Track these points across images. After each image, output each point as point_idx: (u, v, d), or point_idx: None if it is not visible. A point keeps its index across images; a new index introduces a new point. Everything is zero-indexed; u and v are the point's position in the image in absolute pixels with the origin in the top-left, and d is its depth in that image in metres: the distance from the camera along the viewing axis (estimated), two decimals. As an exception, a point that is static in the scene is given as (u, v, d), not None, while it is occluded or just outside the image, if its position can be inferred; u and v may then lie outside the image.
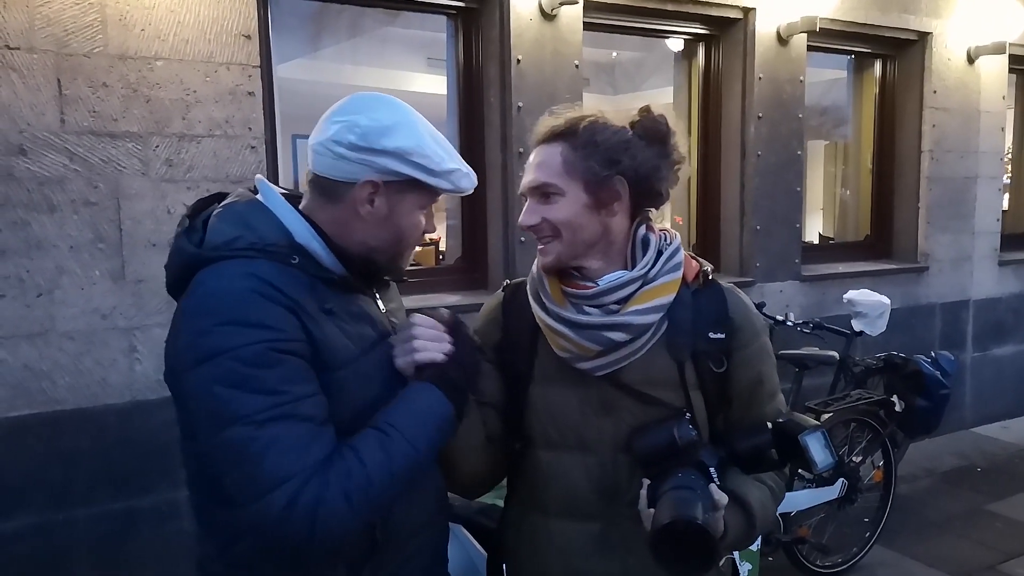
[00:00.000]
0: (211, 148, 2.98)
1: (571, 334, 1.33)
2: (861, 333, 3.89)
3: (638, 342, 1.34)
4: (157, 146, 2.89)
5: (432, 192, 1.29)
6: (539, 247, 1.38)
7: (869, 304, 3.86)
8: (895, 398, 3.67)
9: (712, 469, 1.27)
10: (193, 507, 1.29)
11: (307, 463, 1.10)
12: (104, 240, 2.83)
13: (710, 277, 1.43)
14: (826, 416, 3.32)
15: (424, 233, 1.32)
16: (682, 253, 1.40)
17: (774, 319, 3.68)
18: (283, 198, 1.28)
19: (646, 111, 1.38)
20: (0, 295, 2.71)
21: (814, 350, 3.60)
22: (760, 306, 3.70)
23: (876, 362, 3.86)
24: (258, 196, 1.29)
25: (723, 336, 1.38)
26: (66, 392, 2.82)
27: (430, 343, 1.27)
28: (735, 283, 4.70)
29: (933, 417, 3.73)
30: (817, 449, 1.27)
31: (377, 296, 1.38)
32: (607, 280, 1.35)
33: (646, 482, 1.27)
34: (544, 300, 1.38)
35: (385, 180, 1.23)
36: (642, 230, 1.39)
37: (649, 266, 1.35)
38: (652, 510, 1.21)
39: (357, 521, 1.15)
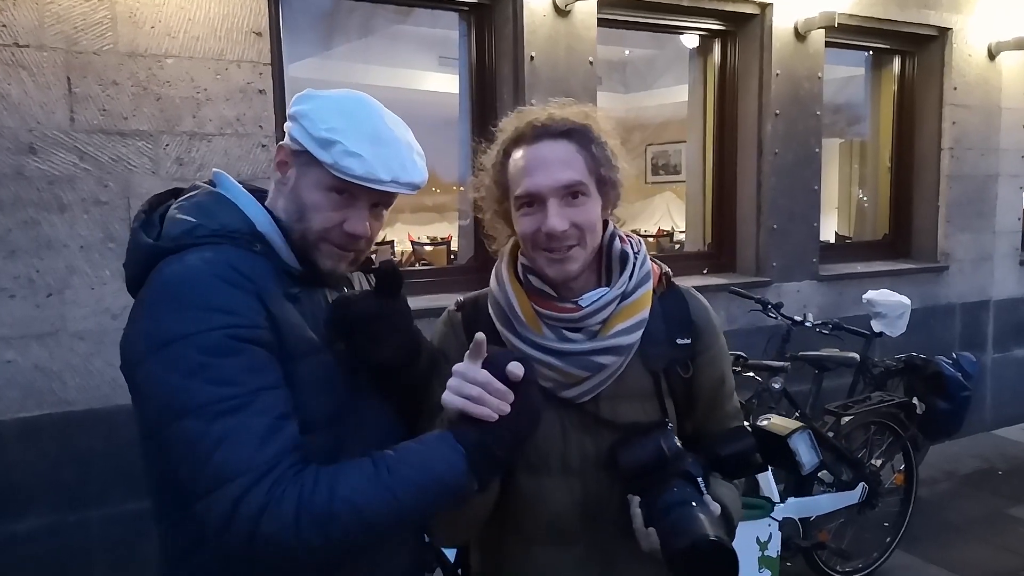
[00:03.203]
0: (222, 147, 2.95)
1: (557, 363, 1.25)
2: (881, 334, 3.82)
3: (620, 361, 1.29)
4: (167, 145, 2.87)
5: (327, 172, 1.14)
6: (555, 256, 1.25)
7: (889, 305, 3.80)
8: (915, 400, 3.60)
9: (700, 479, 1.23)
10: (153, 516, 1.22)
11: (259, 461, 1.01)
12: (114, 239, 2.81)
13: (671, 280, 1.38)
14: (847, 419, 3.26)
15: (350, 233, 1.17)
16: (649, 260, 1.35)
17: (792, 319, 3.62)
18: (244, 190, 1.24)
19: (586, 112, 1.30)
20: (10, 295, 2.69)
21: (834, 351, 3.54)
22: (778, 306, 3.64)
23: (896, 363, 3.80)
24: (217, 189, 1.25)
25: (689, 341, 1.34)
26: (76, 393, 2.81)
27: (491, 398, 1.09)
28: (751, 283, 4.64)
29: (954, 419, 3.67)
30: (804, 450, 1.25)
31: (345, 290, 1.31)
32: (589, 300, 1.27)
33: (635, 499, 1.22)
34: (516, 326, 1.28)
35: (292, 148, 1.19)
36: (616, 241, 1.33)
37: (627, 280, 1.29)
38: (651, 529, 1.17)
39: (301, 546, 1.02)
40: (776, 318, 3.64)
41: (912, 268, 4.93)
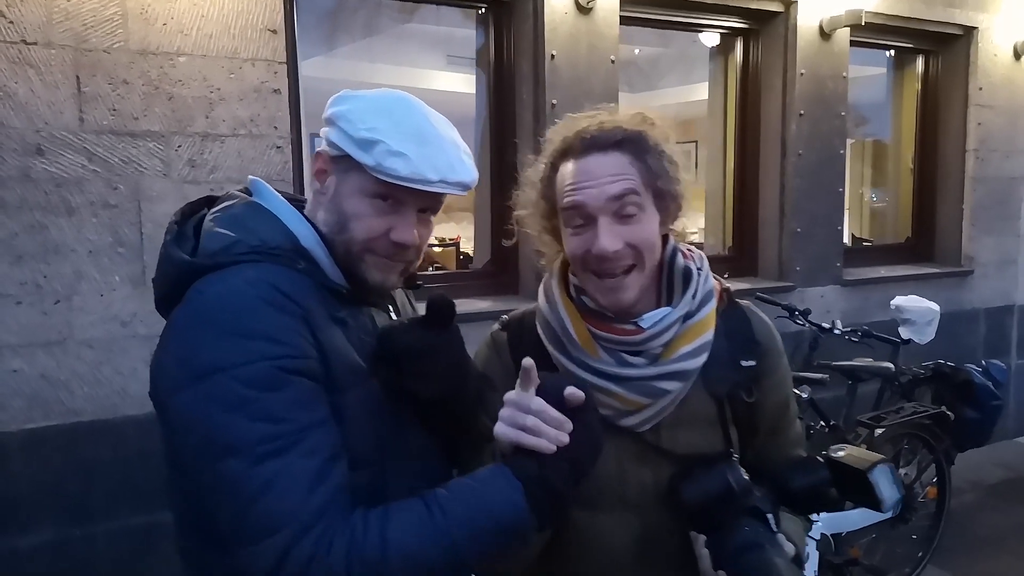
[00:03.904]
0: (235, 148, 2.85)
1: (618, 389, 1.16)
2: (909, 341, 3.71)
3: (684, 387, 1.19)
4: (179, 146, 2.77)
5: (370, 176, 1.05)
6: (606, 283, 1.15)
7: (918, 311, 3.68)
8: (944, 409, 3.49)
9: (769, 516, 1.14)
10: (180, 551, 1.13)
11: (307, 509, 0.93)
12: (124, 244, 2.71)
13: (732, 296, 1.29)
14: (880, 431, 3.16)
15: (397, 242, 1.08)
16: (711, 276, 1.25)
17: (820, 327, 3.51)
18: (284, 200, 1.14)
19: (642, 117, 1.20)
20: (16, 302, 2.60)
21: (868, 361, 3.43)
22: (806, 313, 3.53)
23: (924, 371, 3.68)
24: (254, 198, 1.15)
25: (754, 363, 1.25)
26: (84, 403, 2.71)
27: (547, 428, 1.00)
28: (774, 288, 4.49)
29: (983, 429, 3.56)
30: (885, 485, 1.18)
31: (391, 310, 1.23)
32: (651, 320, 1.18)
33: (700, 538, 1.13)
34: (570, 349, 1.19)
35: (331, 154, 1.10)
36: (679, 257, 1.23)
37: (691, 299, 1.20)
38: (720, 573, 1.08)
39: None
40: (804, 325, 3.53)
41: (936, 272, 4.82)
